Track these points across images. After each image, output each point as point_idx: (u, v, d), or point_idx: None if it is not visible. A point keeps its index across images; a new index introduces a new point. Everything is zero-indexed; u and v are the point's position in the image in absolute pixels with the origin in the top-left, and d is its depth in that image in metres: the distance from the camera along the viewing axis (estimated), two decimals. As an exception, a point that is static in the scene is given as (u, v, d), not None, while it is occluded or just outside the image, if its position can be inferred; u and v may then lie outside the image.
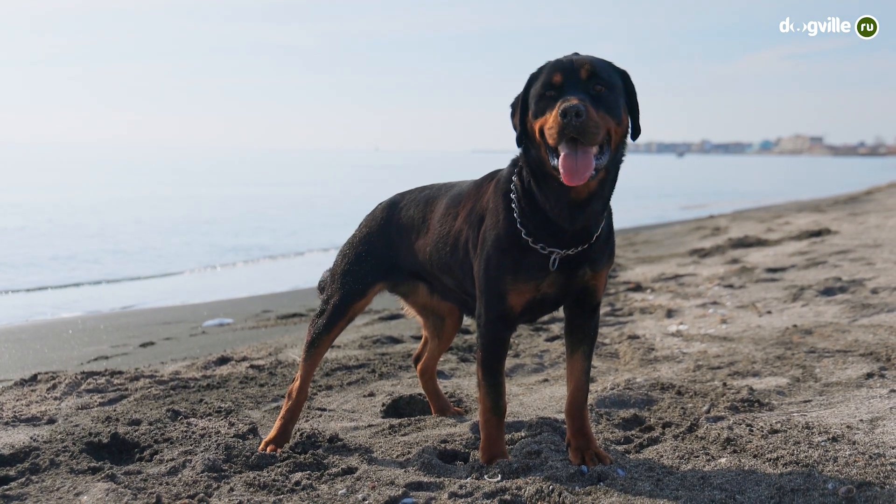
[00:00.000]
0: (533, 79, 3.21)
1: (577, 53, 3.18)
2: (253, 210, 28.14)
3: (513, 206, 3.28)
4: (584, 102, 2.96)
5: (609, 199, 3.28)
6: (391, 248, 3.84)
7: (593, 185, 3.15)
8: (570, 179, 2.97)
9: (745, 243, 11.44)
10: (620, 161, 3.25)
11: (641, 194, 36.73)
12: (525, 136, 3.23)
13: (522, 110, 3.24)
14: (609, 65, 3.18)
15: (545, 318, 4.54)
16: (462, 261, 3.49)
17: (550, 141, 3.04)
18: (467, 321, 4.10)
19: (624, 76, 3.22)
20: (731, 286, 7.97)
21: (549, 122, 3.03)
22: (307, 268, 15.21)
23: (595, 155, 3.03)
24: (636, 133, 3.25)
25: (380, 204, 4.03)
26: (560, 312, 3.58)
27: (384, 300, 5.05)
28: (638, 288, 8.44)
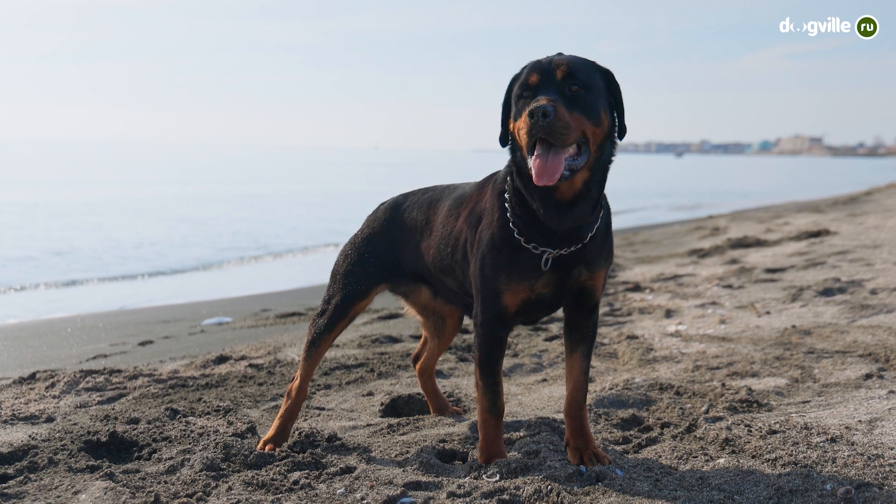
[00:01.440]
0: (514, 80, 3.22)
1: (560, 53, 3.17)
2: (253, 208, 28.15)
3: (506, 205, 3.29)
4: (553, 103, 2.95)
5: (598, 200, 3.25)
6: (394, 250, 3.84)
7: (578, 185, 3.14)
8: (539, 180, 2.97)
9: (744, 244, 11.44)
10: (608, 161, 3.23)
11: (640, 195, 36.74)
12: (509, 138, 3.24)
13: (505, 111, 3.25)
14: (590, 65, 3.16)
15: (545, 318, 4.54)
16: (462, 262, 3.49)
17: (522, 141, 3.06)
18: (467, 321, 4.10)
19: (607, 76, 3.20)
20: (730, 286, 7.98)
21: (521, 124, 3.04)
22: (306, 266, 15.22)
23: (572, 156, 3.02)
24: (622, 133, 3.24)
25: (382, 204, 4.02)
26: (559, 312, 3.58)
27: (383, 299, 5.04)
28: (637, 288, 8.44)
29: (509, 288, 3.27)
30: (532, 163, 3.00)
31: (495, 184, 3.42)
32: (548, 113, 2.92)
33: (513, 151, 3.25)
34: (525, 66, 3.17)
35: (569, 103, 3.01)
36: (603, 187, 3.26)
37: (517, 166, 3.22)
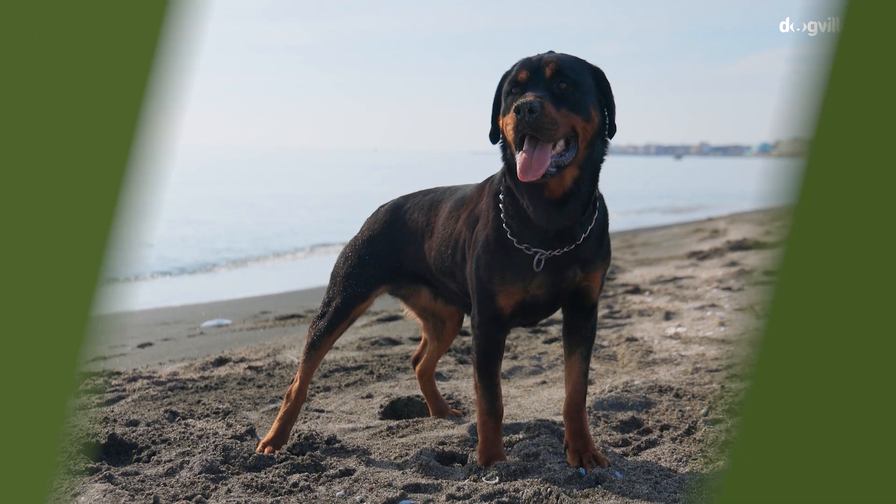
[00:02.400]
0: (505, 76, 3.23)
1: (551, 51, 3.18)
2: (252, 209, 28.15)
3: (500, 206, 3.29)
4: (540, 99, 2.95)
5: (590, 200, 3.23)
6: (395, 251, 3.84)
7: (568, 183, 3.13)
8: (523, 176, 2.96)
9: (743, 246, 11.45)
10: (599, 160, 3.22)
11: (639, 197, 36.77)
12: (499, 135, 3.25)
13: (495, 108, 3.26)
14: (579, 63, 3.16)
15: (543, 319, 4.54)
16: (461, 263, 3.50)
17: (509, 138, 3.07)
18: (467, 323, 4.10)
19: (597, 74, 3.21)
20: (729, 289, 7.98)
21: (508, 119, 3.05)
22: (306, 268, 15.22)
23: (559, 153, 3.02)
24: (612, 131, 3.24)
25: (382, 206, 4.01)
26: (558, 314, 3.58)
27: (383, 302, 5.04)
28: (636, 290, 8.44)
29: (503, 289, 3.28)
30: (518, 158, 3.01)
31: (492, 185, 3.42)
32: (534, 109, 2.92)
33: (503, 149, 3.26)
34: (515, 64, 3.18)
35: (557, 100, 3.01)
36: (594, 187, 3.25)
37: (508, 164, 3.23)
